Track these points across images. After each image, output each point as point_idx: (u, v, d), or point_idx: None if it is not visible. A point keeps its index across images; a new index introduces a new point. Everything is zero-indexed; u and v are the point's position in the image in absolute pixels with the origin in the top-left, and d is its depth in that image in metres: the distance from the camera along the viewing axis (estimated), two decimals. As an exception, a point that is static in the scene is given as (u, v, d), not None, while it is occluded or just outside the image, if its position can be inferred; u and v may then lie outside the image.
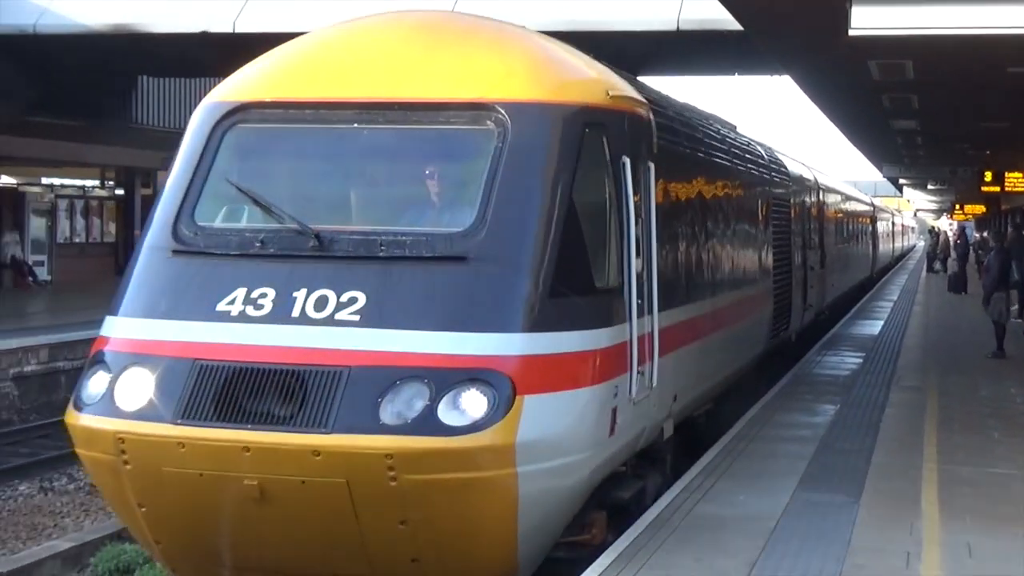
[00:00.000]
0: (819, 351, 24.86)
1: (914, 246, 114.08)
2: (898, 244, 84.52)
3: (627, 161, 10.10)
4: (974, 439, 14.38)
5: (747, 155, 18.82)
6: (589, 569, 9.09)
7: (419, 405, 8.38)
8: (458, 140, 10.03)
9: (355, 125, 10.07)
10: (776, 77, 29.60)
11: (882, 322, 32.31)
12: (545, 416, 8.73)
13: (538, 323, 8.97)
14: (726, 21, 15.24)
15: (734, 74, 31.23)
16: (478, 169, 9.44)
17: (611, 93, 10.40)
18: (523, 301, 9.04)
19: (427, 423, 8.31)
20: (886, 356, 23.84)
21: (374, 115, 9.91)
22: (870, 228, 50.32)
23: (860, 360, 23.19)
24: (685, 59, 27.70)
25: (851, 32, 11.13)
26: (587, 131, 9.87)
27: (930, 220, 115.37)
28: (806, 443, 14.14)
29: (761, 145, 22.09)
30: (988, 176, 33.75)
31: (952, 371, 21.15)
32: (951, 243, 60.48)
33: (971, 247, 56.36)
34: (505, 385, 8.46)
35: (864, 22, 10.94)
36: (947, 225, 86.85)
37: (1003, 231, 42.71)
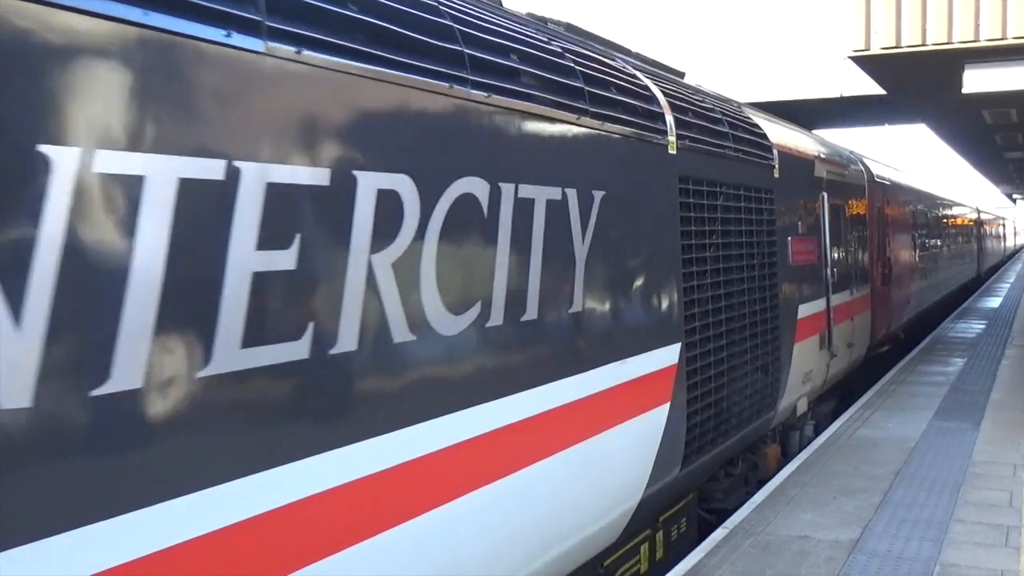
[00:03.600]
0: (952, 320, 23.46)
1: None
2: (1009, 244, 74.62)
3: None
4: (1070, 382, 13.36)
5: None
6: (778, 474, 8.93)
7: None
8: None
9: None
10: (915, 126, 28.07)
11: (1001, 298, 30.27)
12: None
13: None
14: (875, 88, 14.56)
15: (884, 124, 29.66)
16: None
17: None
18: None
19: None
20: (1003, 323, 22.32)
21: None
22: (974, 230, 37.31)
23: (983, 326, 21.79)
24: (846, 116, 26.50)
25: (964, 91, 10.57)
26: None
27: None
28: (940, 386, 13.49)
29: (664, 70, 8.25)
30: (1081, 189, 31.36)
31: (1054, 333, 19.67)
32: None
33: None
34: None
35: (973, 84, 10.37)
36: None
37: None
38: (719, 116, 7.93)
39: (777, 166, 9.25)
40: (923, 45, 9.88)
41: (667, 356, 6.40)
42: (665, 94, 6.83)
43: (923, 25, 9.82)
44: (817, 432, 10.91)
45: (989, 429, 10.51)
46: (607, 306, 5.70)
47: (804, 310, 10.12)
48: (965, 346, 18.10)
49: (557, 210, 5.05)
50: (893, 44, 9.94)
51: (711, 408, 7.16)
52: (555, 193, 5.04)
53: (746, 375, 8.01)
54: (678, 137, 6.72)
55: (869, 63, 10.66)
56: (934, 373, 14.76)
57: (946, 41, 9.77)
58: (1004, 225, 64.16)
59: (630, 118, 6.01)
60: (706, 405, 7.05)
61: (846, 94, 21.85)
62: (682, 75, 8.85)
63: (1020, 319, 22.91)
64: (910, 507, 7.70)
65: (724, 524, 7.41)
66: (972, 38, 9.66)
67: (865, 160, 15.61)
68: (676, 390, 6.50)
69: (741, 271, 7.92)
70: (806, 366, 10.20)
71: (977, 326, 21.86)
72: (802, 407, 10.50)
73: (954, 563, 6.41)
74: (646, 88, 6.57)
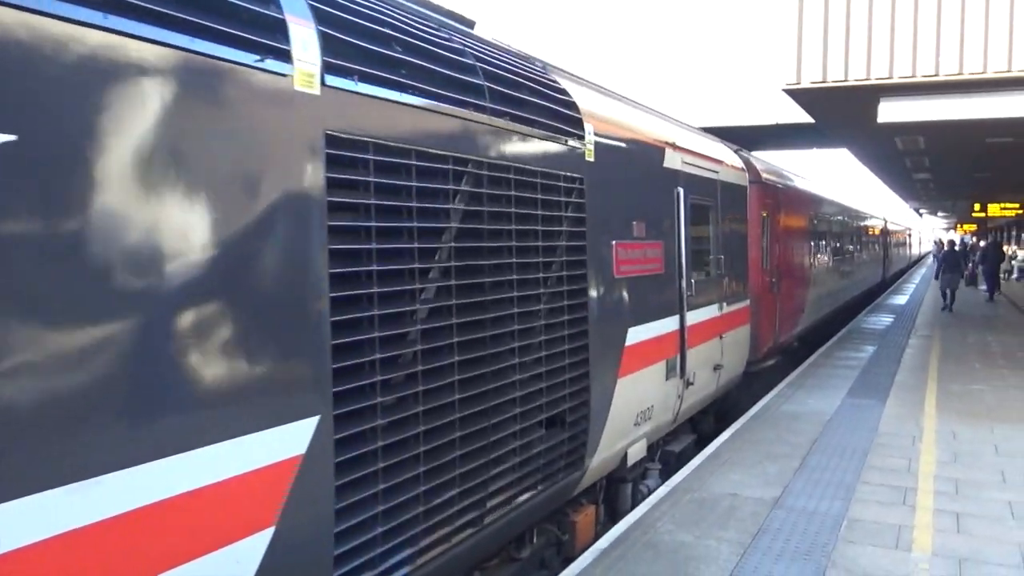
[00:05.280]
0: (866, 314, 23.49)
1: (931, 252, 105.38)
2: (915, 251, 71.76)
3: None
4: (961, 367, 13.37)
5: None
6: (716, 441, 8.88)
7: None
8: None
9: None
10: (839, 150, 28.01)
11: (908, 296, 30.38)
12: None
13: None
14: (805, 117, 14.54)
15: (812, 148, 29.67)
16: None
17: None
18: None
19: None
20: (908, 316, 22.37)
21: None
22: (880, 239, 33.20)
23: (892, 319, 21.83)
24: (781, 141, 26.45)
25: (879, 120, 10.55)
26: None
27: (942, 234, 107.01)
28: (853, 369, 13.48)
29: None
30: (976, 207, 31.51)
31: (951, 326, 19.68)
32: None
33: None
34: None
35: (887, 115, 10.35)
36: (954, 236, 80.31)
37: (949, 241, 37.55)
38: (469, 61, 4.52)
39: (592, 148, 5.90)
40: (845, 81, 9.85)
41: (271, 447, 3.10)
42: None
43: (846, 63, 9.79)
44: (667, 476, 7.92)
45: (893, 406, 10.48)
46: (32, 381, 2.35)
47: (638, 333, 6.71)
48: (875, 336, 18.12)
49: None
50: (820, 79, 9.91)
51: (414, 506, 3.90)
52: None
53: (512, 437, 4.79)
54: (328, 69, 3.39)
55: (800, 95, 10.62)
56: (848, 358, 14.76)
57: (865, 78, 9.75)
58: (910, 235, 63.91)
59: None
60: (396, 507, 3.78)
61: (780, 122, 21.85)
62: (471, 24, 5.60)
63: (923, 314, 22.98)
64: (824, 470, 7.67)
65: (667, 483, 7.37)
66: (887, 75, 9.65)
67: (752, 160, 12.31)
68: (297, 499, 3.20)
69: (503, 289, 4.70)
70: (641, 403, 6.86)
71: (887, 318, 21.91)
72: (637, 453, 7.05)
73: (859, 518, 6.38)
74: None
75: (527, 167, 4.97)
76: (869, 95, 10.29)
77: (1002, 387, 11.73)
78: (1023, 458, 8.07)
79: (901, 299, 29.33)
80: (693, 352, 8.20)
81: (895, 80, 9.65)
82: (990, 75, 9.20)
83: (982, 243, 40.95)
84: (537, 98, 5.25)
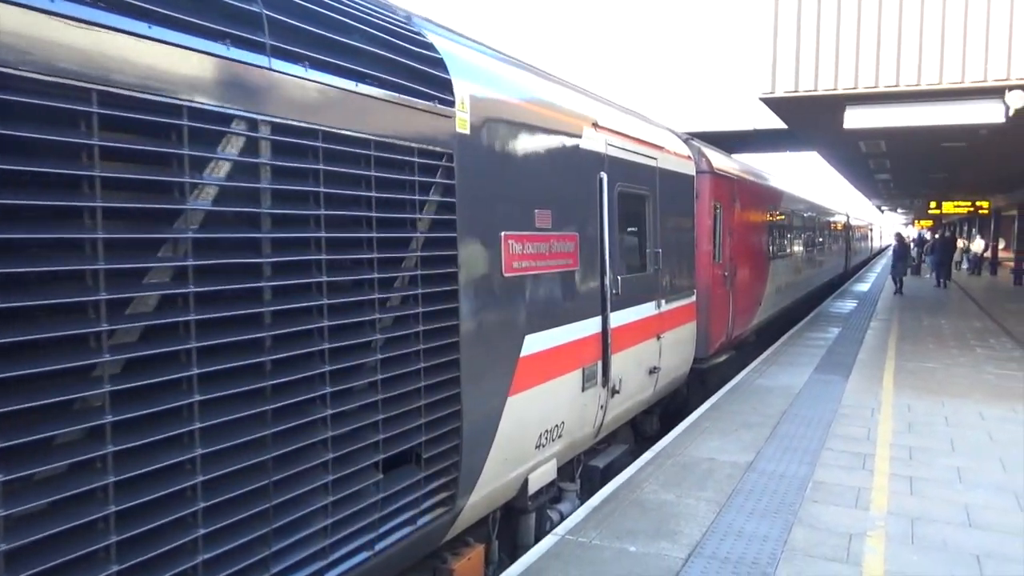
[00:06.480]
0: (832, 300, 23.44)
1: (891, 244, 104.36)
2: (876, 244, 69.64)
3: None
4: (917, 347, 13.36)
5: None
6: (695, 412, 8.90)
7: None
8: None
9: None
10: (809, 152, 27.88)
11: (870, 284, 30.30)
12: None
13: None
14: (779, 123, 14.49)
15: (786, 151, 29.52)
16: None
17: None
18: None
19: None
20: (870, 302, 22.32)
21: None
22: (843, 233, 31.44)
23: (855, 304, 21.78)
24: (758, 144, 26.37)
25: (845, 126, 10.52)
26: None
27: (902, 229, 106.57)
28: (820, 348, 13.48)
29: None
30: (932, 204, 31.39)
31: (907, 310, 19.65)
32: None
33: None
34: None
35: (852, 121, 10.32)
36: (908, 231, 79.78)
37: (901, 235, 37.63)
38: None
39: (467, 118, 4.25)
40: (815, 90, 9.83)
41: None
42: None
43: (816, 75, 9.76)
44: (591, 493, 6.52)
45: (855, 381, 10.48)
46: None
47: (540, 341, 5.15)
48: (840, 319, 18.09)
49: None
50: (793, 89, 9.89)
51: None
52: None
53: (320, 492, 3.23)
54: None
55: (774, 103, 10.61)
56: (815, 339, 14.76)
57: (833, 88, 9.73)
58: (871, 229, 63.31)
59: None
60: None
61: (758, 127, 21.77)
62: None
63: (883, 300, 22.94)
64: (792, 438, 7.69)
65: (652, 448, 7.39)
66: (852, 86, 9.62)
67: (705, 149, 10.55)
68: None
69: (302, 295, 3.12)
70: (545, 421, 5.30)
71: (850, 304, 21.87)
72: (543, 478, 5.44)
73: (823, 481, 6.40)
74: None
75: (349, 134, 3.32)
76: (836, 103, 10.27)
77: (952, 365, 11.73)
78: (970, 428, 8.09)
79: (864, 287, 29.27)
80: (620, 357, 6.55)
81: (860, 90, 9.63)
82: (945, 86, 9.18)
83: (936, 236, 40.87)
84: (373, 46, 3.60)
